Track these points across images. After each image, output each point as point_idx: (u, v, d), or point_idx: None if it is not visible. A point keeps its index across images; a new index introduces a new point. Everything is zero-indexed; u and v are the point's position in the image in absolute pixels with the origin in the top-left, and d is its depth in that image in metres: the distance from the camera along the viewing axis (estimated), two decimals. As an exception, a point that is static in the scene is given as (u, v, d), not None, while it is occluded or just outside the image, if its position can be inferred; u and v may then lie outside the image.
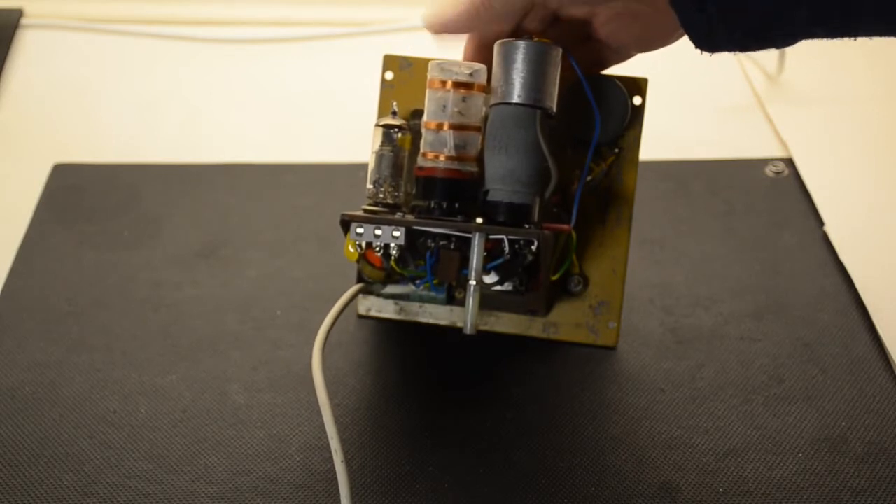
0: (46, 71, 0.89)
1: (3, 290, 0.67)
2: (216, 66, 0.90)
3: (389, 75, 0.63)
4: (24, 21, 0.94)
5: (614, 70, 0.60)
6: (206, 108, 0.85)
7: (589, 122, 0.58)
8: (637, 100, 0.61)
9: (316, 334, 0.54)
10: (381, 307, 0.63)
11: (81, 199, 0.75)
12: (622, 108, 0.60)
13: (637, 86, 0.60)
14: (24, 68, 0.89)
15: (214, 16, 0.95)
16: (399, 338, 0.64)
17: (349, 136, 0.78)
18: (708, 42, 0.50)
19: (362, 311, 0.64)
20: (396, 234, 0.55)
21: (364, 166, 0.58)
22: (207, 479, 0.55)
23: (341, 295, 0.57)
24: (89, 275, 0.68)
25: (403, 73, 0.62)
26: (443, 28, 0.54)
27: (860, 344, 0.63)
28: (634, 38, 0.56)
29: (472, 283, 0.54)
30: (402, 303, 0.63)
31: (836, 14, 0.47)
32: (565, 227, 0.58)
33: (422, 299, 0.61)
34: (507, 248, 0.55)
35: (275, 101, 0.86)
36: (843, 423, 0.58)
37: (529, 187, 0.55)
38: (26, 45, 0.91)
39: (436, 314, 0.63)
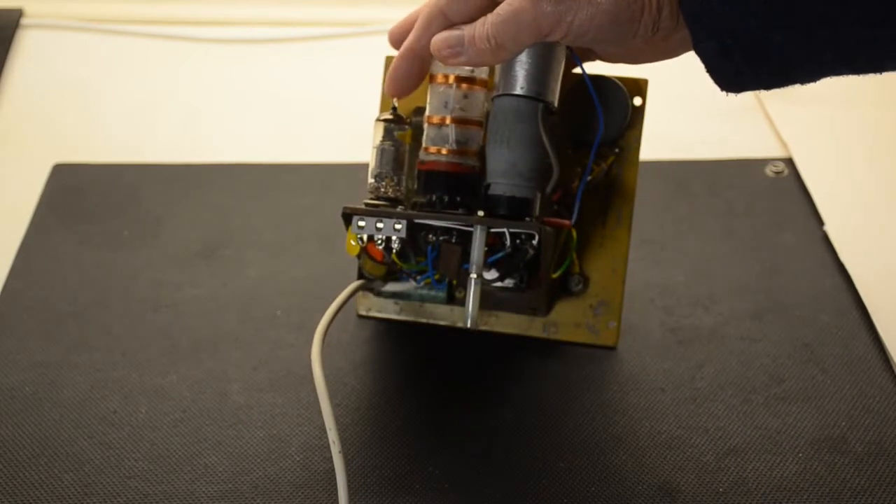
0: (46, 71, 0.89)
1: (3, 290, 0.67)
2: (216, 66, 0.90)
3: None
4: (24, 21, 0.94)
5: (615, 71, 0.60)
6: (206, 108, 0.85)
7: (589, 124, 0.58)
8: (637, 100, 0.61)
9: (316, 334, 0.54)
10: (381, 307, 0.63)
11: (81, 199, 0.75)
12: (623, 108, 0.60)
13: (637, 86, 0.60)
14: (24, 68, 0.89)
15: (214, 16, 0.95)
16: (399, 338, 0.64)
17: (349, 136, 0.78)
18: (735, 85, 0.52)
19: (362, 311, 0.64)
20: (398, 226, 0.55)
21: (364, 167, 0.58)
22: (207, 479, 0.55)
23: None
24: (89, 275, 0.68)
25: None
26: (456, 64, 0.54)
27: (860, 344, 0.63)
28: (622, 59, 0.56)
29: (473, 276, 0.54)
30: (402, 302, 0.63)
31: (862, 55, 0.49)
32: (566, 222, 0.58)
33: (422, 298, 0.61)
34: (508, 242, 0.55)
35: (275, 101, 0.86)
36: (843, 423, 0.58)
37: (531, 181, 0.55)
38: (26, 45, 0.91)
39: (436, 314, 0.63)
